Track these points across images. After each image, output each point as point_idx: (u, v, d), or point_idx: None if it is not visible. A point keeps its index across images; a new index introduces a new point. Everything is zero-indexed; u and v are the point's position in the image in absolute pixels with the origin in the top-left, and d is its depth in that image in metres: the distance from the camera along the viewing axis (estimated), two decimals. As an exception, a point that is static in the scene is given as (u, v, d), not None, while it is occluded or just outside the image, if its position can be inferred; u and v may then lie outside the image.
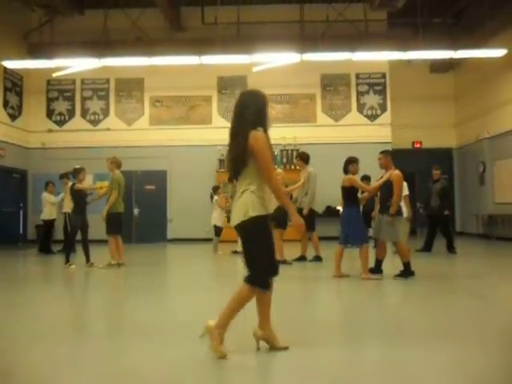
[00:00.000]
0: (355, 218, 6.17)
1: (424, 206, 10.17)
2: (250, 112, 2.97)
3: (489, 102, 13.16)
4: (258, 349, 3.05)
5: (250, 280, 2.94)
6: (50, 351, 3.19)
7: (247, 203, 2.89)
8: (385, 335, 3.49)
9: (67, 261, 7.74)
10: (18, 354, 3.14)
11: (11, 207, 13.27)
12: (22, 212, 13.63)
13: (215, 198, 9.77)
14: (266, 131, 3.02)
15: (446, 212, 9.15)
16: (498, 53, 11.21)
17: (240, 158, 2.91)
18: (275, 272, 3.02)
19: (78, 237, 8.00)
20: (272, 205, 3.04)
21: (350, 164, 6.27)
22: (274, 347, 3.05)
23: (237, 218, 2.94)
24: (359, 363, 2.98)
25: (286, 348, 3.06)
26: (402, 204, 6.49)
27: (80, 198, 7.95)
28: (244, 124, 2.95)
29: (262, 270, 2.95)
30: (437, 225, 9.37)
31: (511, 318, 3.96)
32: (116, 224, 7.81)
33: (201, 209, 12.37)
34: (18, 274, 8.08)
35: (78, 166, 8.16)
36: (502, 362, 2.92)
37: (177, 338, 3.49)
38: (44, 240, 10.45)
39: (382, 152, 6.41)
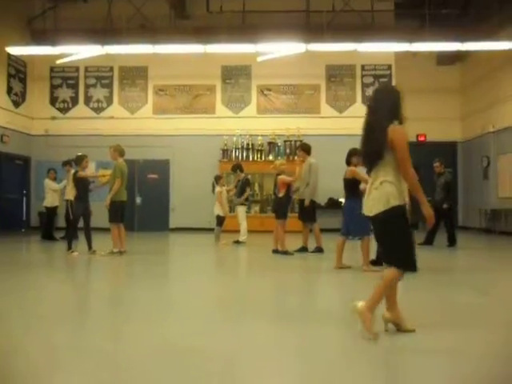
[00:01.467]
0: (357, 209, 6.13)
1: (430, 199, 10.12)
2: (386, 107, 3.11)
3: (495, 95, 13.03)
4: (387, 330, 3.19)
5: (401, 266, 3.10)
6: (51, 335, 3.22)
7: (388, 193, 3.03)
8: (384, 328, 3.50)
9: (69, 248, 7.77)
10: (19, 337, 3.17)
11: (14, 194, 13.32)
12: (25, 199, 13.69)
13: (217, 188, 9.76)
14: (401, 124, 3.12)
15: (445, 205, 9.11)
16: (506, 45, 11.08)
17: (378, 151, 3.05)
18: (414, 262, 3.16)
19: (81, 224, 8.03)
20: (405, 195, 3.18)
21: (353, 156, 6.23)
22: (401, 329, 3.19)
23: (376, 208, 3.07)
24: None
25: (413, 330, 3.18)
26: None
27: (83, 186, 7.96)
28: (381, 119, 3.08)
29: (407, 253, 3.10)
30: (439, 218, 9.34)
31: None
32: (119, 212, 7.83)
33: (203, 198, 12.37)
34: (21, 260, 8.13)
35: (80, 154, 8.15)
36: (504, 351, 2.93)
37: (172, 325, 3.51)
38: (47, 227, 10.49)
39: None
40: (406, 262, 3.11)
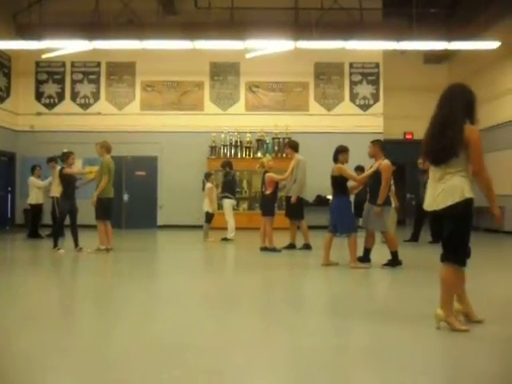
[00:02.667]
0: (344, 207, 6.19)
1: (414, 196, 10.23)
2: (460, 105, 3.18)
3: (483, 93, 13.09)
4: (459, 321, 3.28)
5: (450, 259, 3.18)
6: (38, 334, 3.18)
7: (460, 185, 3.10)
8: (371, 322, 3.53)
9: (55, 245, 7.70)
10: (5, 337, 3.13)
11: (-1, 190, 13.12)
12: (9, 196, 13.48)
13: (207, 184, 9.73)
14: (472, 124, 3.18)
15: None
16: (492, 45, 11.21)
17: (452, 149, 3.11)
18: (469, 252, 3.25)
19: (67, 221, 7.95)
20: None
21: (340, 153, 6.27)
22: (471, 320, 3.35)
23: (448, 200, 3.12)
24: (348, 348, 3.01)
25: (481, 321, 3.35)
26: (389, 194, 6.52)
27: (69, 183, 7.87)
28: (455, 116, 3.15)
29: (464, 248, 3.19)
30: (424, 215, 9.45)
31: (495, 306, 4.02)
32: (105, 209, 7.77)
33: (191, 195, 12.34)
34: (6, 258, 8.02)
35: (66, 150, 8.06)
36: (488, 346, 2.98)
37: (159, 322, 3.50)
38: (33, 225, 10.35)
39: (372, 141, 6.43)
40: (463, 258, 3.20)
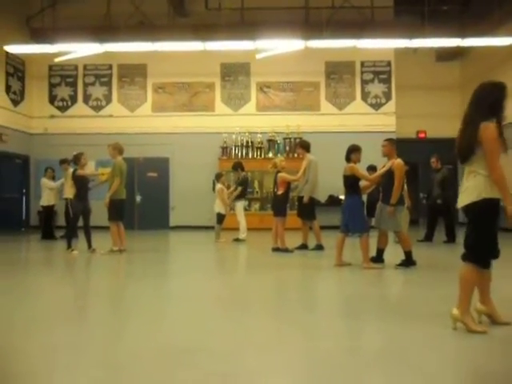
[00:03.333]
0: (356, 206, 6.13)
1: (427, 196, 10.10)
2: (484, 103, 3.16)
3: (495, 91, 12.99)
4: (480, 322, 3.27)
5: (469, 258, 3.16)
6: (50, 335, 3.20)
7: (480, 185, 3.09)
8: (385, 323, 3.49)
9: (69, 246, 7.77)
10: (19, 336, 3.16)
11: (14, 193, 13.31)
12: (24, 198, 13.67)
13: (218, 185, 9.74)
14: (500, 123, 3.15)
15: (439, 201, 9.08)
16: (506, 41, 11.03)
17: (469, 146, 3.13)
18: (496, 255, 3.20)
19: (80, 223, 8.02)
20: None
21: (352, 152, 6.21)
22: (496, 321, 3.30)
23: (468, 199, 3.15)
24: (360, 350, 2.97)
25: (507, 323, 3.28)
26: (403, 193, 6.43)
27: (82, 184, 7.94)
28: (478, 113, 3.14)
29: (483, 250, 3.15)
30: (438, 215, 9.33)
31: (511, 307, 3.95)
32: (118, 210, 7.82)
33: (203, 196, 12.37)
34: (21, 259, 8.12)
35: (76, 152, 8.12)
36: (506, 348, 2.91)
37: (177, 323, 3.49)
38: (46, 227, 10.46)
39: (386, 140, 6.34)
40: (483, 259, 3.16)
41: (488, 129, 3.09)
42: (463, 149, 3.21)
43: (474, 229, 3.19)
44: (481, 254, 3.17)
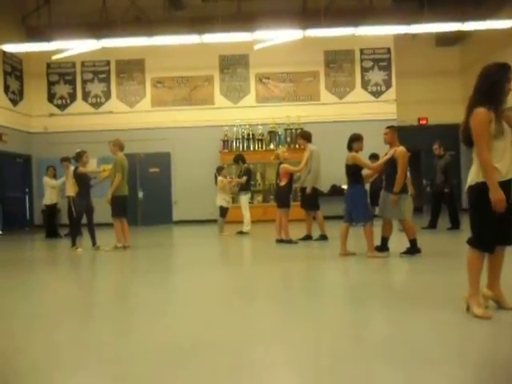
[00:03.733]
0: (358, 195, 6.10)
1: (430, 183, 10.06)
2: (484, 86, 3.13)
3: (496, 75, 12.88)
4: (487, 307, 3.25)
5: (470, 242, 3.22)
6: (56, 331, 3.21)
7: (476, 170, 3.16)
8: (391, 312, 3.48)
9: (73, 244, 7.79)
10: (25, 333, 3.17)
11: (17, 192, 13.34)
12: (27, 197, 13.70)
13: (219, 178, 9.72)
14: (497, 107, 3.11)
15: (446, 189, 9.03)
16: (507, 24, 10.91)
17: (464, 132, 3.21)
18: (495, 237, 3.16)
19: (84, 220, 8.03)
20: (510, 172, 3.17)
21: (354, 141, 6.17)
22: (502, 307, 3.29)
23: (468, 181, 3.24)
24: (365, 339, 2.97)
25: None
26: (406, 181, 6.40)
27: (83, 182, 7.94)
28: (475, 98, 3.15)
29: (482, 233, 3.16)
30: (441, 201, 9.30)
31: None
32: (121, 207, 7.82)
33: (205, 190, 12.36)
34: (26, 257, 8.15)
35: (79, 150, 8.12)
36: (509, 332, 2.90)
37: (183, 317, 3.50)
38: (49, 225, 10.49)
39: (388, 127, 6.29)
40: (478, 240, 3.18)
41: (477, 114, 3.10)
42: (464, 134, 3.24)
43: (472, 213, 3.25)
44: (479, 237, 3.18)
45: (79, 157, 7.99)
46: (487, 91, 3.13)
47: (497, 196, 3.04)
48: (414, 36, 13.49)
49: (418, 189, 9.59)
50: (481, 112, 3.09)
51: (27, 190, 13.71)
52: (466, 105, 3.25)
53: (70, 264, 6.98)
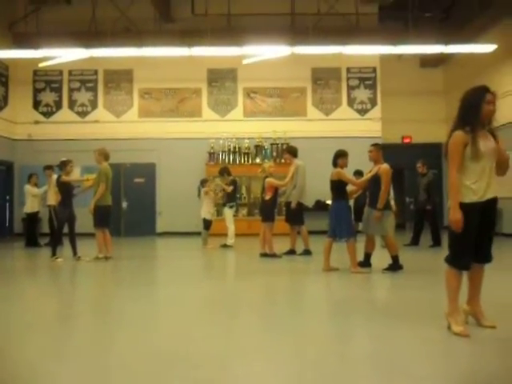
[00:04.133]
0: (342, 211, 6.16)
1: (413, 200, 10.20)
2: (461, 110, 3.23)
3: (478, 97, 13.21)
4: (467, 323, 3.34)
5: (447, 260, 3.29)
6: (37, 343, 3.14)
7: (461, 190, 3.18)
8: (373, 327, 3.49)
9: (54, 254, 7.65)
10: (4, 346, 3.08)
11: (-3, 200, 13.07)
12: (8, 205, 13.44)
13: (203, 190, 9.69)
14: (475, 129, 3.14)
15: (428, 207, 9.18)
16: (488, 48, 11.25)
17: (446, 154, 3.25)
18: (471, 255, 3.22)
19: (65, 230, 7.90)
20: (489, 191, 3.20)
21: (339, 158, 6.25)
22: (481, 324, 3.35)
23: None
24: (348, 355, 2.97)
25: (492, 327, 3.29)
26: (390, 198, 6.48)
27: (66, 191, 7.83)
28: (454, 122, 3.26)
29: (458, 252, 3.22)
30: (424, 219, 9.43)
31: (495, 310, 3.98)
32: (104, 217, 7.73)
33: (190, 202, 12.25)
34: (4, 267, 7.96)
35: (64, 159, 8.03)
36: (490, 348, 2.93)
37: (164, 331, 3.45)
38: (30, 234, 10.30)
39: (373, 145, 6.39)
40: (454, 258, 3.24)
41: (453, 137, 3.22)
42: (446, 156, 3.31)
43: (449, 231, 3.29)
44: (455, 255, 3.24)
45: (63, 165, 7.90)
46: (464, 115, 3.21)
47: (454, 216, 3.13)
48: (400, 56, 13.80)
49: (401, 206, 9.72)
50: (456, 135, 3.20)
51: (8, 197, 13.45)
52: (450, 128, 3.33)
53: (50, 274, 6.84)
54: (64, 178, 7.81)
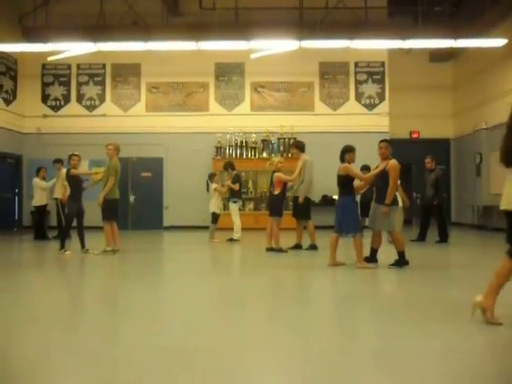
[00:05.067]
0: (349, 206, 6.16)
1: (420, 196, 10.18)
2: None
3: (487, 92, 13.10)
4: (472, 314, 3.36)
5: (509, 252, 3.29)
6: (44, 336, 3.19)
7: (510, 193, 3.26)
8: (379, 323, 3.51)
9: (62, 247, 7.72)
10: (12, 338, 3.14)
11: (6, 193, 13.20)
12: (17, 198, 13.57)
13: (211, 185, 9.73)
14: None
15: (436, 202, 9.16)
16: (498, 42, 11.12)
17: (509, 150, 3.28)
18: None
19: (74, 223, 7.97)
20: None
21: (347, 153, 6.23)
22: (486, 319, 3.31)
23: (506, 204, 3.34)
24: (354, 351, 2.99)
25: (499, 324, 3.28)
26: (397, 193, 6.47)
27: (76, 185, 7.90)
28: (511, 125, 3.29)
29: None
30: (431, 214, 9.40)
31: (502, 306, 3.98)
32: (112, 210, 7.79)
33: (197, 196, 12.34)
34: (13, 259, 8.06)
35: (70, 153, 8.07)
36: (496, 345, 2.94)
37: (172, 323, 3.49)
38: (38, 227, 10.40)
39: (384, 141, 6.35)
40: None
41: None
42: (505, 154, 3.33)
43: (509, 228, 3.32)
44: None
45: (69, 159, 7.97)
46: None
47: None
48: (408, 51, 13.69)
49: (410, 201, 9.67)
50: None
51: (17, 190, 13.58)
52: (507, 125, 3.40)
53: (58, 267, 6.92)
54: (73, 171, 7.87)
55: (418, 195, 10.54)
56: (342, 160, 6.24)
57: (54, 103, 14.02)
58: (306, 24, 12.08)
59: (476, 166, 13.78)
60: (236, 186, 9.65)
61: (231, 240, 9.62)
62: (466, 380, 2.49)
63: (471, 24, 11.74)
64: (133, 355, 2.79)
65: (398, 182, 7.21)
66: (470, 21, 11.86)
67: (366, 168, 8.89)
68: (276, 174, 7.85)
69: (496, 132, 12.76)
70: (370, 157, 7.67)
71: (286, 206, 9.01)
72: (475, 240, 10.95)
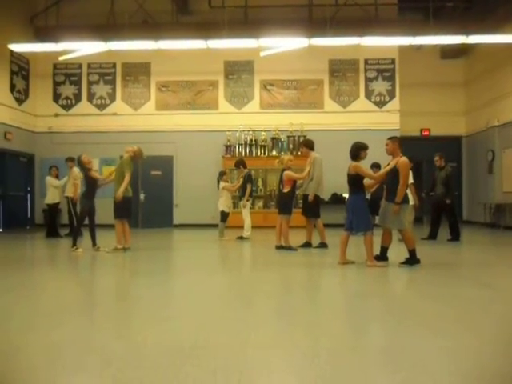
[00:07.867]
0: (360, 205, 6.13)
1: (426, 193, 10.07)
2: None
3: (499, 89, 12.94)
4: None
5: None
6: (56, 333, 3.23)
7: None
8: (389, 321, 3.49)
9: (74, 244, 7.81)
10: (24, 334, 3.18)
11: (19, 191, 13.37)
12: (29, 196, 13.73)
13: (221, 183, 9.75)
14: None
15: (448, 201, 9.06)
16: (510, 39, 10.98)
17: None
18: None
19: (85, 221, 8.05)
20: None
21: (362, 150, 6.20)
22: None
23: None
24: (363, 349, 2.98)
25: None
26: (408, 191, 6.42)
27: (93, 184, 7.97)
28: None
29: None
30: (441, 213, 9.32)
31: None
32: (125, 208, 7.83)
33: (207, 194, 12.39)
34: (26, 257, 8.17)
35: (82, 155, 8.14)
36: (508, 348, 2.91)
37: (178, 321, 3.51)
38: (50, 225, 10.52)
39: (389, 138, 6.33)
40: None
41: None
42: None
43: None
44: None
45: (82, 162, 8.03)
46: None
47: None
48: (419, 47, 13.57)
49: (421, 200, 9.58)
50: None
51: (29, 188, 13.75)
52: None
53: (70, 264, 7.00)
54: (93, 174, 7.97)
55: (424, 191, 10.39)
56: (355, 157, 6.20)
57: (65, 102, 14.16)
58: (316, 21, 12.04)
59: (488, 164, 13.63)
60: (248, 188, 9.60)
61: (241, 238, 9.63)
62: (477, 379, 2.47)
63: (483, 20, 11.60)
64: (144, 352, 2.81)
65: (411, 181, 7.14)
66: (481, 17, 11.71)
67: (376, 166, 8.84)
68: (285, 172, 7.83)
69: (509, 129, 12.61)
70: (380, 155, 7.61)
71: (295, 203, 9.00)
72: (487, 238, 10.84)
